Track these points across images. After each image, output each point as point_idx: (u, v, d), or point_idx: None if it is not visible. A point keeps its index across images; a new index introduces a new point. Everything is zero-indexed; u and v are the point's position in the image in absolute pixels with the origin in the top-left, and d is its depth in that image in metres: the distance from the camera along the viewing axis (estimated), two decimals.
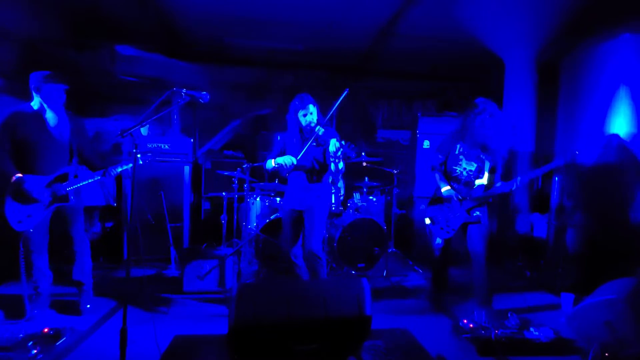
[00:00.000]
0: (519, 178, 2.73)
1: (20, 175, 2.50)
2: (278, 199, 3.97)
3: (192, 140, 4.36)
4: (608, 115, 3.52)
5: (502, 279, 3.83)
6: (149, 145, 4.10)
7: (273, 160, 2.79)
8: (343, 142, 2.51)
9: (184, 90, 2.17)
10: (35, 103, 2.59)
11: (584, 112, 3.90)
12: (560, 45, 4.18)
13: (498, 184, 2.82)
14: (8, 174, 2.49)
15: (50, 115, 2.59)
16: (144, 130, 4.24)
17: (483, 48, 4.35)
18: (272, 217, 3.76)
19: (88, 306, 2.78)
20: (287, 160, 2.71)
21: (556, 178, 3.77)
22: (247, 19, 4.38)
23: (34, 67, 2.64)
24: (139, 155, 2.32)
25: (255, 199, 3.99)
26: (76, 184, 2.62)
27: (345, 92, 2.61)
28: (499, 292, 3.18)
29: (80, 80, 2.76)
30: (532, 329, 2.45)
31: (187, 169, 4.26)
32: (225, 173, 4.17)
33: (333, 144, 2.56)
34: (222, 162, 5.04)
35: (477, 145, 2.84)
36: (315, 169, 2.80)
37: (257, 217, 3.96)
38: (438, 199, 2.96)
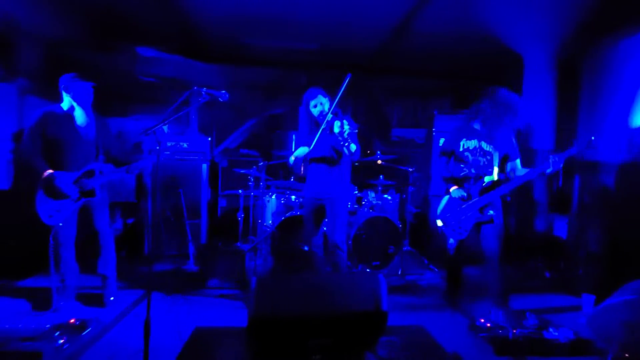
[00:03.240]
0: (528, 170, 2.66)
1: (51, 171, 2.62)
2: (293, 196, 4.01)
3: (209, 139, 4.45)
4: (631, 113, 3.42)
5: (521, 279, 3.77)
6: (169, 144, 4.21)
7: (292, 156, 2.86)
8: (345, 121, 2.54)
9: (204, 89, 2.23)
10: (65, 104, 2.71)
11: (606, 111, 3.79)
12: (581, 41, 4.07)
13: (521, 172, 2.74)
14: (40, 171, 2.61)
15: (79, 115, 2.72)
16: (165, 129, 4.36)
17: (501, 44, 4.28)
18: (287, 214, 3.80)
19: (112, 298, 2.88)
20: (301, 151, 2.80)
21: (577, 177, 3.69)
22: (262, 19, 4.43)
23: (58, 69, 2.76)
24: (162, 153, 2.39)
25: (270, 196, 4.05)
26: (102, 180, 2.73)
27: (348, 76, 2.60)
28: (517, 292, 3.13)
29: (102, 81, 2.87)
30: (551, 330, 2.41)
31: (204, 167, 4.35)
32: (242, 171, 4.24)
33: (337, 126, 2.59)
34: (238, 161, 5.12)
35: (483, 137, 2.80)
36: (333, 157, 2.82)
37: (273, 214, 4.01)
38: (448, 194, 2.92)
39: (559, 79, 4.14)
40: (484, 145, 2.82)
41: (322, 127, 2.67)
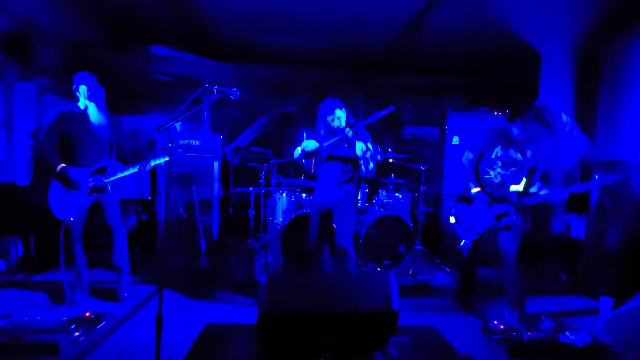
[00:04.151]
0: (561, 189, 2.59)
1: (64, 165, 2.72)
2: (304, 194, 4.01)
3: (221, 136, 4.48)
4: None
5: (536, 281, 3.69)
6: (181, 142, 4.25)
7: (299, 147, 2.84)
8: (370, 146, 2.52)
9: (216, 86, 2.24)
10: (81, 104, 2.81)
11: (628, 108, 3.66)
12: (602, 35, 3.94)
13: (542, 192, 2.66)
14: (54, 165, 2.72)
15: (93, 114, 2.80)
16: (178, 126, 4.42)
17: (517, 40, 4.18)
18: (297, 212, 3.80)
19: (125, 295, 2.94)
20: (310, 144, 2.77)
21: (596, 176, 3.58)
22: (273, 17, 4.43)
23: (75, 68, 2.84)
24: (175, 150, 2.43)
25: (281, 194, 4.06)
26: (114, 176, 2.81)
27: (390, 109, 2.58)
28: (533, 294, 3.07)
29: (117, 79, 2.94)
30: (567, 333, 2.35)
31: (216, 164, 4.38)
32: (253, 164, 4.25)
33: (359, 148, 2.57)
34: (249, 158, 5.15)
35: (520, 151, 2.69)
36: (347, 168, 2.81)
37: (283, 212, 4.02)
38: (466, 198, 2.88)
39: (578, 76, 4.02)
40: (518, 155, 2.71)
41: (337, 137, 2.68)
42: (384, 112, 2.58)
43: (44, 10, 3.93)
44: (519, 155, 2.72)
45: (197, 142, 4.34)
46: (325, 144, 2.70)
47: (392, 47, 5.22)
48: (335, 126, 2.75)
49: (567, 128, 2.59)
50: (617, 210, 3.41)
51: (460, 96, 6.16)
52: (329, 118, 2.76)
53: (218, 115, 5.62)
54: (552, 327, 2.44)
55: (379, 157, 2.59)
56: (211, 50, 5.37)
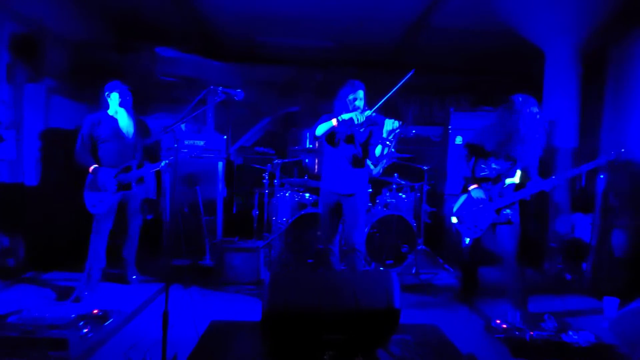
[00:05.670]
0: (554, 177, 2.61)
1: (96, 165, 2.99)
2: (307, 194, 4.03)
3: (225, 137, 4.52)
4: None
5: (540, 281, 3.67)
6: (186, 142, 4.30)
7: (335, 119, 2.69)
8: (400, 122, 2.53)
9: (221, 88, 2.27)
10: (111, 110, 3.05)
11: (634, 106, 3.64)
12: (608, 33, 3.91)
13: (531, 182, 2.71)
14: (87, 166, 2.99)
15: (123, 119, 3.04)
16: (183, 127, 4.47)
17: (521, 39, 4.16)
18: (301, 212, 3.83)
19: (134, 277, 3.20)
20: (327, 125, 2.67)
21: (602, 176, 3.56)
22: (278, 17, 4.46)
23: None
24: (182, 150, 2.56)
25: (285, 194, 4.08)
26: (137, 175, 3.07)
27: (412, 72, 2.56)
28: (536, 294, 3.06)
29: (124, 81, 3.09)
30: (570, 333, 2.34)
31: (220, 164, 4.42)
32: (257, 166, 4.29)
33: (390, 123, 2.58)
34: (253, 158, 5.18)
35: (509, 143, 2.72)
36: (358, 154, 2.81)
37: (287, 212, 4.05)
38: (466, 194, 2.88)
39: (583, 74, 3.99)
40: (510, 148, 2.73)
41: (364, 120, 2.65)
42: (406, 78, 2.56)
43: (53, 12, 3.99)
44: (510, 148, 2.73)
45: (202, 143, 4.38)
46: (341, 117, 2.63)
47: (397, 46, 5.22)
48: (355, 107, 2.74)
49: (537, 118, 2.63)
50: (623, 210, 3.39)
51: (464, 95, 6.14)
52: (351, 97, 2.74)
53: (222, 115, 5.65)
54: (555, 326, 2.44)
55: (409, 133, 2.58)
56: (216, 51, 5.41)
